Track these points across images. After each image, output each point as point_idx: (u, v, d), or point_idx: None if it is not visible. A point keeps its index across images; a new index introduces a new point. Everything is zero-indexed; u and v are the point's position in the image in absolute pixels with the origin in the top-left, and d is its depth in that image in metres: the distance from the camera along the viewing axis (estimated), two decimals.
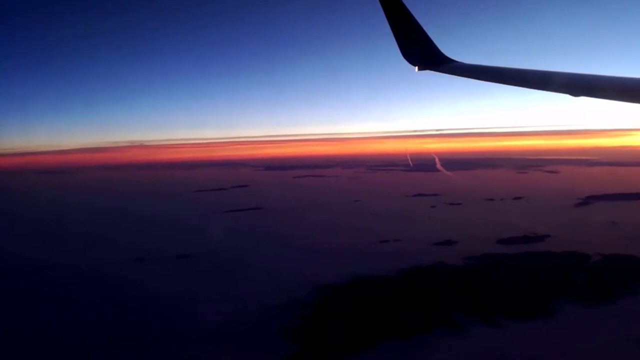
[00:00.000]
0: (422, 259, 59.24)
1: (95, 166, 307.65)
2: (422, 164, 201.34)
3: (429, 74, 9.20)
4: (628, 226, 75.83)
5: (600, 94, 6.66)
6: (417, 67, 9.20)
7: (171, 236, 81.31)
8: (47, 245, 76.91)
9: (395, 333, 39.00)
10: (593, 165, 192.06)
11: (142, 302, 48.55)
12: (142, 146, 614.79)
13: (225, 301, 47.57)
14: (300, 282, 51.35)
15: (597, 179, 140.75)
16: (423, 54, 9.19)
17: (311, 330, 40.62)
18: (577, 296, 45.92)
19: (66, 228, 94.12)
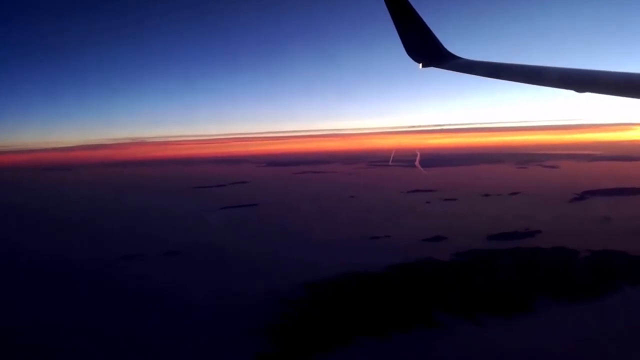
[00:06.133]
0: (410, 255, 59.31)
1: (96, 163, 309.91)
2: (421, 160, 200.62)
3: (431, 68, 9.07)
4: (620, 222, 75.39)
5: (605, 90, 6.56)
6: (421, 64, 9.11)
7: (164, 232, 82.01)
8: (45, 241, 77.96)
9: (375, 329, 39.24)
10: (594, 160, 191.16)
11: (130, 296, 49.27)
12: (143, 143, 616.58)
13: (208, 296, 47.93)
14: (286, 278, 51.77)
15: (596, 174, 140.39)
16: (427, 50, 9.04)
17: (293, 325, 40.94)
18: (561, 292, 45.87)
19: (67, 223, 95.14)
